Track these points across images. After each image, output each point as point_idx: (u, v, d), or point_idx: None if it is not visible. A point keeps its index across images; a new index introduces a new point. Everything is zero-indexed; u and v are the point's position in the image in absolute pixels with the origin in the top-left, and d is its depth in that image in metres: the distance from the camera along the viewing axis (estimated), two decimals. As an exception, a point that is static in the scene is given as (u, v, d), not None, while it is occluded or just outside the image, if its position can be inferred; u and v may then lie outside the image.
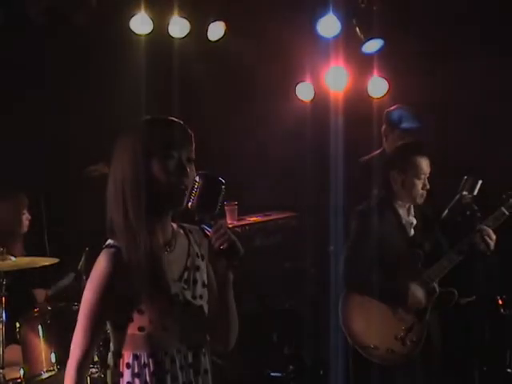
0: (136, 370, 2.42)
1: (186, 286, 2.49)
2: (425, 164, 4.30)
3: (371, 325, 4.24)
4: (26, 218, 5.09)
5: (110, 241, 2.42)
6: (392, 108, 5.33)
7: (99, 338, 2.48)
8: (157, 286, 2.40)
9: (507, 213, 4.24)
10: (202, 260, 2.57)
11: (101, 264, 2.38)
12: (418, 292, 4.22)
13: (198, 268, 2.55)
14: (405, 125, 5.19)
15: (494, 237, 4.18)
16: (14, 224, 5.04)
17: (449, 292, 4.28)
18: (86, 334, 2.40)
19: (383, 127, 5.31)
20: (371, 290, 4.21)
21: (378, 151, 5.30)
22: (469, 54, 5.47)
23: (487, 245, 4.16)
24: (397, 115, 5.26)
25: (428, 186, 4.30)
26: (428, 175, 4.32)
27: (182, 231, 2.58)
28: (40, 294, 5.02)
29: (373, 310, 4.26)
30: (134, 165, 2.40)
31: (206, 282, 2.55)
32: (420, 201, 4.33)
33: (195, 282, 2.52)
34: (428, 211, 4.44)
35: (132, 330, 2.41)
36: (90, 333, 2.40)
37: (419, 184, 4.28)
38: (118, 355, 2.46)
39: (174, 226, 2.56)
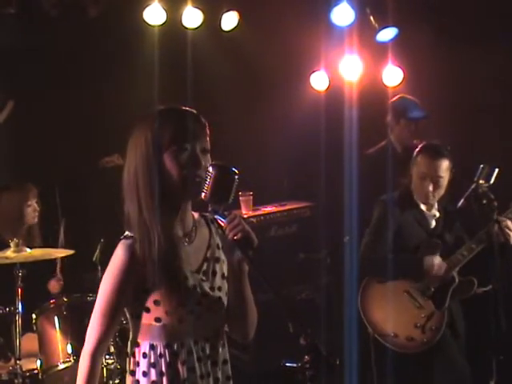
0: (152, 360, 2.44)
1: (204, 278, 2.48)
2: (433, 166, 4.28)
3: (391, 313, 4.28)
4: (33, 209, 5.01)
5: (127, 232, 2.43)
6: (396, 98, 5.32)
7: (115, 327, 2.51)
8: (173, 277, 2.40)
9: None
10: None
11: (118, 255, 2.40)
12: (435, 260, 4.25)
13: (217, 259, 2.54)
14: (410, 114, 5.18)
15: None
16: (16, 214, 4.97)
17: (468, 281, 4.31)
18: (102, 323, 2.43)
19: (388, 118, 5.31)
20: (389, 272, 4.25)
21: (383, 143, 5.30)
22: (485, 42, 5.42)
23: (507, 236, 4.16)
24: (402, 105, 5.25)
25: (439, 188, 4.30)
26: (441, 176, 4.29)
27: (203, 221, 2.57)
28: (54, 285, 5.03)
29: (393, 298, 4.30)
30: (147, 159, 2.40)
31: (225, 274, 2.54)
32: (432, 201, 4.36)
33: (214, 273, 2.52)
34: (450, 205, 4.45)
35: (149, 320, 2.43)
36: (106, 322, 2.43)
37: (423, 185, 4.30)
38: (135, 344, 2.48)
39: (196, 215, 2.55)
